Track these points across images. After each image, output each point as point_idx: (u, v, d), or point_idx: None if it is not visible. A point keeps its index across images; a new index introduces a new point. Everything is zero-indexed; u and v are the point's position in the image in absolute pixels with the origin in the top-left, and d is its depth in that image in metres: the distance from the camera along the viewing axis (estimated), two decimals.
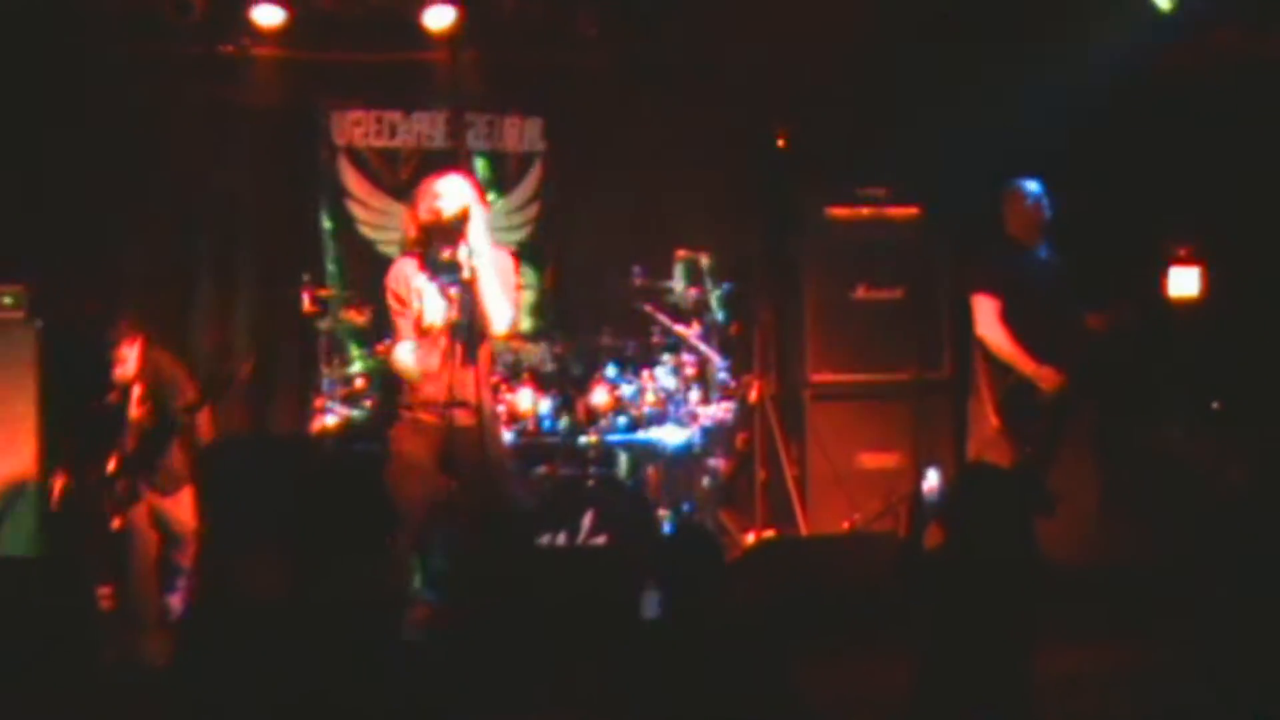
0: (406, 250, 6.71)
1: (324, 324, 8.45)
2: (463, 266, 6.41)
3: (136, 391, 7.59)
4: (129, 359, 7.57)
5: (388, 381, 7.47)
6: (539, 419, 8.24)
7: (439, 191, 6.62)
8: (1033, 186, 7.85)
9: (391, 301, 6.65)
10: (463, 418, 6.47)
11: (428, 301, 6.53)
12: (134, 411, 7.58)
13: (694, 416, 8.47)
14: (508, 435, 8.03)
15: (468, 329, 6.48)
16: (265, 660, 3.40)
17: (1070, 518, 7.42)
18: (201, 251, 9.21)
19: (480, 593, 6.75)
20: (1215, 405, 8.72)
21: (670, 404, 8.42)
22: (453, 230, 6.48)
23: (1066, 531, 7.18)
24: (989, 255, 7.88)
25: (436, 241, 6.58)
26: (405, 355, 6.60)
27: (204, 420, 7.67)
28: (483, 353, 6.64)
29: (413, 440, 6.60)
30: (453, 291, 6.49)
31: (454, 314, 6.46)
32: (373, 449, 7.82)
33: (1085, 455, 7.94)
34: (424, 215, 6.59)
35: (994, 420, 7.67)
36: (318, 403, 8.28)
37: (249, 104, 9.24)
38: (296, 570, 3.16)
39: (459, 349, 6.45)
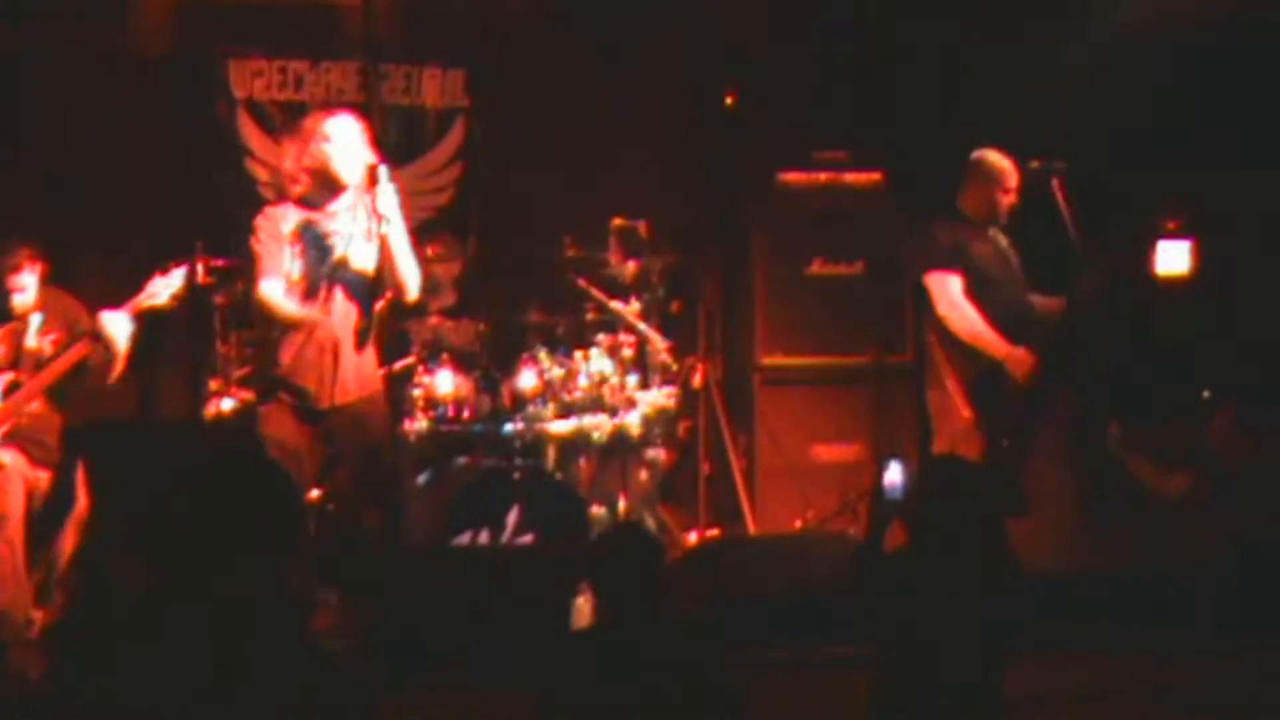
0: (284, 197, 6.70)
1: (220, 297, 8.35)
2: (370, 224, 6.42)
3: (37, 322, 7.34)
4: (28, 287, 7.33)
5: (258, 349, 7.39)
6: (459, 404, 8.18)
7: (328, 133, 6.59)
8: (995, 159, 7.82)
9: (265, 243, 6.60)
10: (342, 394, 6.46)
11: (310, 253, 6.54)
12: (33, 342, 7.33)
13: (631, 403, 8.43)
14: (423, 422, 7.98)
15: (361, 289, 6.47)
16: (147, 673, 3.32)
17: (1046, 519, 7.42)
18: (80, 216, 9.08)
19: (387, 597, 6.71)
20: (1205, 394, 8.75)
21: (605, 389, 8.38)
22: (340, 181, 6.48)
23: (1041, 534, 7.18)
24: (944, 230, 7.86)
25: (322, 190, 6.58)
26: (276, 292, 6.57)
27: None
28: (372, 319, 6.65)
29: (283, 421, 6.59)
30: (340, 246, 6.49)
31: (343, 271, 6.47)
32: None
33: (1061, 450, 7.95)
34: (309, 160, 6.57)
35: (965, 411, 7.64)
36: (212, 384, 8.20)
37: (133, 52, 9.11)
38: (181, 572, 3.08)
39: (345, 314, 6.44)
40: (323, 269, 6.61)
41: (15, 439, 7.20)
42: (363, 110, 7.88)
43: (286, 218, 6.67)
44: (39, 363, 7.24)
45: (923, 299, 7.86)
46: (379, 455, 6.89)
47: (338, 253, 6.61)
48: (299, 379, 6.67)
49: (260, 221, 6.71)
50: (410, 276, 6.62)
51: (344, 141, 6.62)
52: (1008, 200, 7.79)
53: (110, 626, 4.60)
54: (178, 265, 7.18)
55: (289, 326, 6.67)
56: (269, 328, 6.84)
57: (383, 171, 6.52)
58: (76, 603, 7.08)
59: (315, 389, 6.64)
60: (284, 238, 6.61)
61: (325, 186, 6.63)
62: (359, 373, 6.75)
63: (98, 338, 7.05)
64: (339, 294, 6.61)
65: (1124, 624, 7.00)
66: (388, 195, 6.49)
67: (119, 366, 7.12)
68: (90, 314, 7.19)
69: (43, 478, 7.27)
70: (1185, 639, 6.75)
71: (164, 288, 7.11)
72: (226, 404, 8.15)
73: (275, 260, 6.62)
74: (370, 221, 6.55)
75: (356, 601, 6.59)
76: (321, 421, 6.69)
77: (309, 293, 6.63)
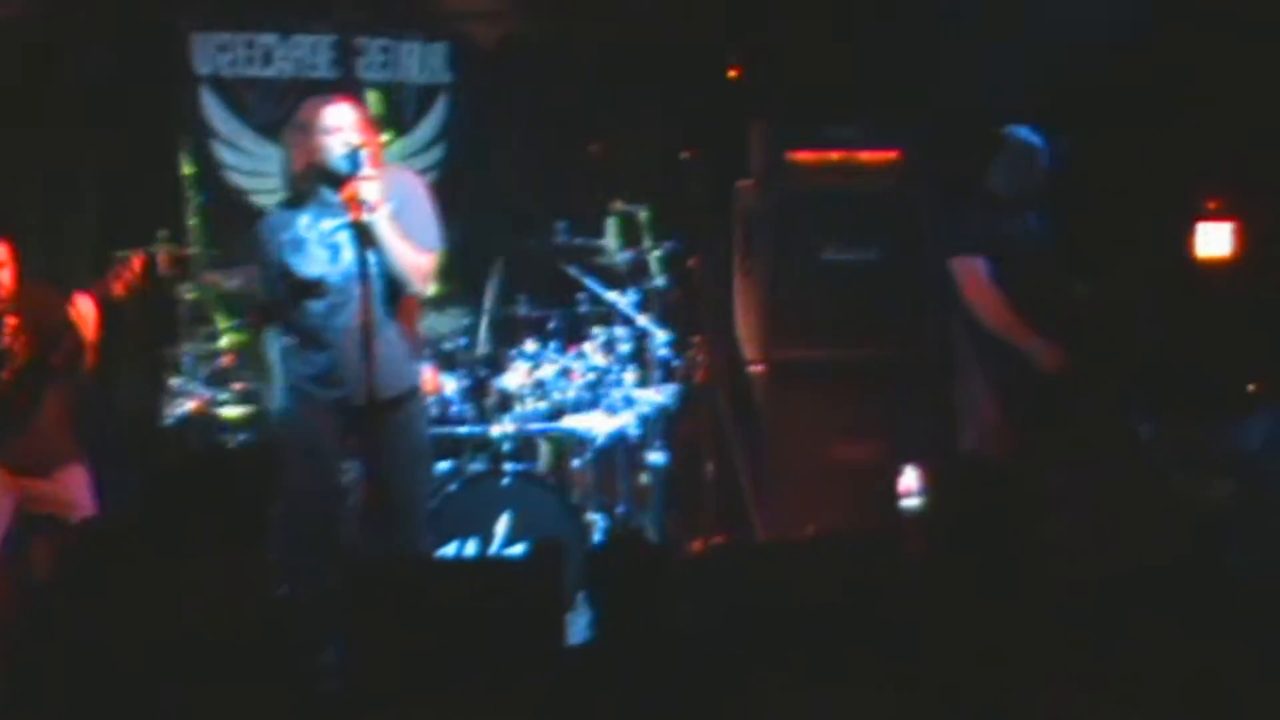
0: (289, 196, 6.77)
1: (184, 290, 8.38)
2: (361, 212, 6.47)
3: (9, 323, 7.32)
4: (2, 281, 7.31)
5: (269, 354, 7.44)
6: (445, 404, 8.21)
7: (328, 124, 6.66)
8: (1031, 138, 7.86)
9: (264, 258, 6.72)
10: (374, 392, 6.52)
11: (309, 253, 6.61)
12: (7, 340, 7.32)
13: (629, 401, 8.46)
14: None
15: (379, 285, 6.57)
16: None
17: (1079, 525, 7.45)
18: (32, 201, 9.11)
19: (376, 611, 6.74)
20: (1251, 387, 8.75)
21: (601, 386, 8.41)
22: (344, 173, 6.55)
23: (1074, 541, 7.21)
24: (972, 211, 7.90)
25: (324, 185, 6.65)
26: (272, 349, 6.70)
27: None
28: (402, 314, 6.70)
29: (306, 423, 6.68)
30: (347, 243, 6.56)
31: (351, 269, 6.53)
32: (240, 440, 7.81)
33: (1094, 450, 7.96)
34: (313, 155, 6.65)
35: (992, 408, 7.68)
36: (175, 384, 8.23)
37: (89, 25, 9.13)
38: (141, 574, 3.14)
39: (363, 310, 6.49)
40: (338, 267, 6.68)
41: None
42: (338, 88, 7.93)
43: (285, 222, 6.77)
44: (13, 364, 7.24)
45: (947, 286, 7.89)
46: (410, 462, 6.96)
47: (350, 248, 6.65)
48: (321, 379, 6.77)
49: (264, 230, 6.83)
50: (406, 268, 6.68)
51: (347, 131, 6.67)
52: (1038, 180, 7.82)
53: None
54: (138, 253, 7.19)
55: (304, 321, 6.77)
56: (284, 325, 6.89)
57: (363, 155, 6.56)
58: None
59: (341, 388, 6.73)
60: (285, 245, 6.71)
61: (331, 179, 6.68)
62: (391, 369, 6.79)
63: (70, 329, 7.06)
64: (358, 290, 6.62)
65: (1156, 634, 7.02)
66: (371, 183, 6.53)
67: (90, 357, 7.14)
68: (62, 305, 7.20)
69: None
70: (1222, 650, 6.77)
71: (117, 283, 7.11)
72: (190, 404, 8.18)
73: (271, 282, 6.77)
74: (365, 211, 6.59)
75: (331, 613, 6.63)
76: (353, 421, 6.76)
77: (331, 295, 6.70)
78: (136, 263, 7.14)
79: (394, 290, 6.74)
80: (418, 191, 6.92)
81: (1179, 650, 6.48)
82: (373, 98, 9.43)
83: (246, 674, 3.37)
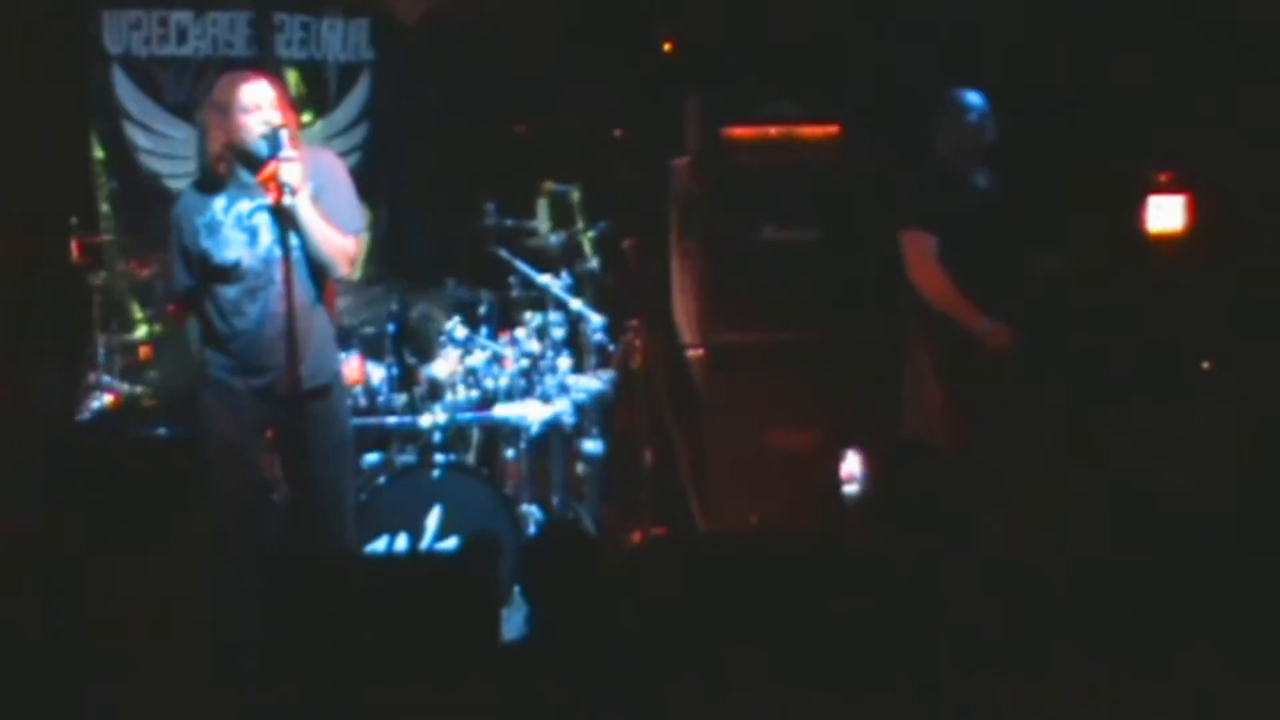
0: (204, 178, 6.75)
1: (98, 279, 8.35)
2: (281, 195, 6.46)
3: None
4: None
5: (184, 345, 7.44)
6: (369, 393, 8.21)
7: (245, 102, 6.64)
8: (973, 98, 7.89)
9: (179, 243, 6.70)
10: (297, 381, 6.52)
11: (225, 236, 6.60)
12: None
13: (564, 388, 8.47)
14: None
15: (301, 269, 6.60)
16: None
17: (1028, 515, 7.49)
18: None
19: (301, 610, 6.74)
20: (1205, 365, 8.80)
21: (535, 373, 8.42)
22: (263, 155, 6.55)
23: (1019, 531, 7.25)
24: (918, 181, 7.91)
25: (241, 166, 6.65)
26: (193, 339, 6.68)
27: None
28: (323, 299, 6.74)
29: (226, 415, 6.67)
30: (266, 226, 6.56)
31: (271, 252, 6.53)
32: (158, 434, 7.79)
33: (1047, 437, 7.98)
34: (230, 134, 6.63)
35: (939, 391, 7.71)
36: (91, 377, 8.20)
37: None
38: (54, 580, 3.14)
39: (285, 296, 6.48)
40: (256, 251, 6.68)
41: None
42: (255, 66, 7.90)
43: (200, 205, 6.75)
44: None
45: (892, 264, 7.91)
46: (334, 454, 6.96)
47: (269, 231, 6.66)
48: (240, 369, 6.76)
49: (178, 214, 6.80)
50: (328, 252, 6.69)
51: (266, 110, 6.67)
52: (986, 139, 7.83)
53: None
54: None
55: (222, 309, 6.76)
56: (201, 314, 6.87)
57: (284, 135, 6.56)
58: None
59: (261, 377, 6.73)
60: (200, 229, 6.70)
61: (248, 160, 6.68)
62: (314, 358, 6.80)
63: None
64: (279, 275, 6.61)
65: (1115, 629, 7.07)
66: (291, 164, 6.53)
67: None
68: None
69: None
70: (1183, 642, 6.82)
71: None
72: (106, 398, 8.16)
73: (184, 266, 6.75)
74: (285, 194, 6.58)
75: (254, 613, 6.63)
76: (274, 412, 6.76)
77: (248, 280, 6.70)
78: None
79: (317, 275, 6.75)
80: (338, 173, 6.91)
81: (1126, 644, 6.55)
82: (292, 77, 9.42)
83: (164, 677, 3.38)
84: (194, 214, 6.72)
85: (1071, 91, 8.84)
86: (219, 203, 6.70)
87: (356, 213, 6.92)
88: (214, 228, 6.68)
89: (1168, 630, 6.78)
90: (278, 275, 6.53)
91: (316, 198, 6.64)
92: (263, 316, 6.66)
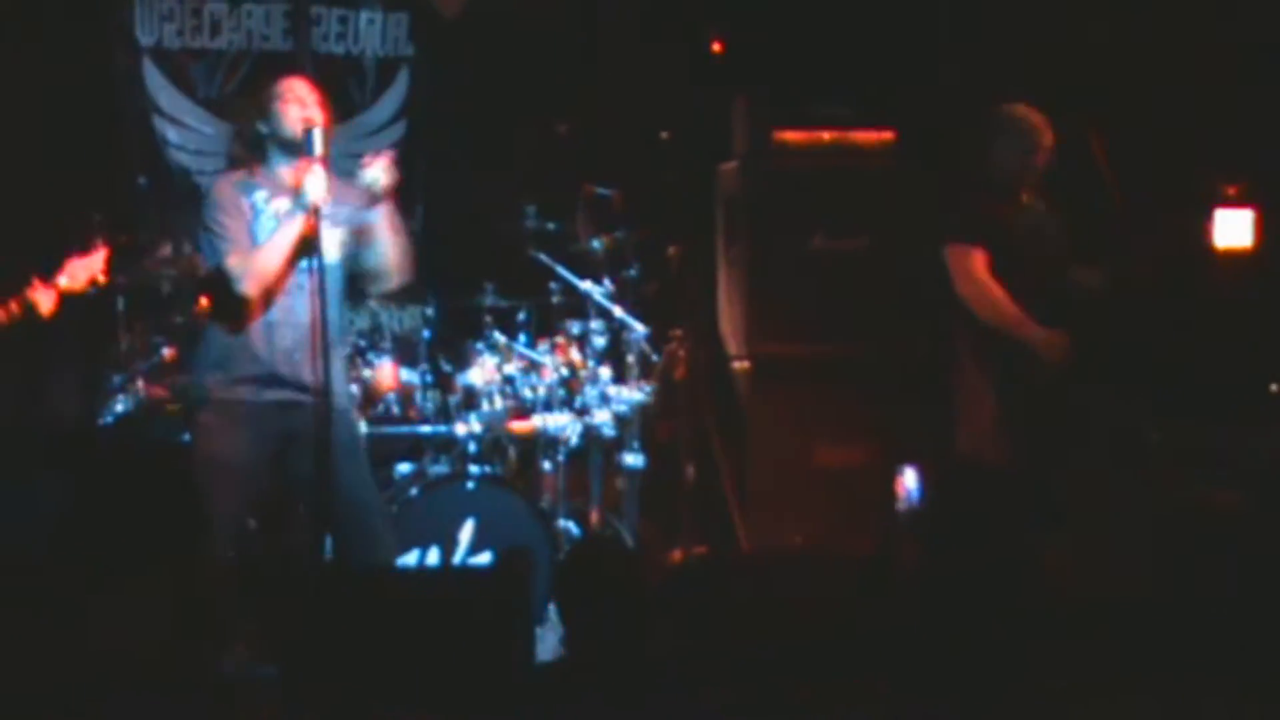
0: (235, 166, 6.72)
1: (122, 278, 8.31)
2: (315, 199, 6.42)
3: None
4: None
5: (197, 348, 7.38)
6: (403, 402, 8.16)
7: (280, 92, 6.63)
8: (1030, 113, 7.83)
9: (229, 213, 6.61)
10: (326, 393, 6.48)
11: (265, 228, 6.56)
12: None
13: (604, 399, 8.42)
14: (361, 423, 7.96)
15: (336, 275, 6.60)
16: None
17: (1083, 535, 7.43)
18: None
19: (329, 625, 6.69)
20: (1275, 387, 8.72)
21: (574, 383, 8.38)
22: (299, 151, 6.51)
23: (1077, 552, 7.19)
24: (968, 196, 7.86)
25: (279, 159, 6.61)
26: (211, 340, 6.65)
27: None
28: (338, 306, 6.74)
29: (229, 431, 6.59)
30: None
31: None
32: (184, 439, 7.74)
33: (1103, 454, 7.93)
34: (272, 121, 6.61)
35: (991, 406, 7.65)
36: (113, 379, 8.17)
37: None
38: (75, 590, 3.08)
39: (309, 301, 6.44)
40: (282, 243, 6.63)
41: None
42: (291, 61, 7.88)
43: (246, 188, 6.69)
44: None
45: (943, 276, 7.85)
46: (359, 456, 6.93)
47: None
48: (254, 380, 6.69)
49: (219, 190, 6.71)
50: (396, 262, 6.71)
51: (308, 105, 6.64)
52: (1041, 161, 7.79)
53: None
54: (101, 243, 7.09)
55: (250, 310, 6.68)
56: (228, 312, 6.80)
57: (317, 137, 6.51)
58: None
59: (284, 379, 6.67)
60: (246, 210, 6.63)
61: (286, 153, 6.65)
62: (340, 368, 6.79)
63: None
64: (307, 277, 6.57)
65: (1158, 654, 7.01)
66: (316, 177, 6.48)
67: None
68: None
69: None
70: (1226, 670, 6.75)
71: (83, 270, 7.02)
72: (128, 401, 8.12)
73: (241, 233, 6.63)
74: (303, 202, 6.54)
75: (282, 628, 6.58)
76: (286, 422, 6.70)
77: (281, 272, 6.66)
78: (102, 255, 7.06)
79: (352, 282, 6.72)
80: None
81: (1179, 664, 6.48)
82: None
83: (180, 691, 3.32)
84: (246, 193, 6.65)
85: (1136, 102, 8.77)
86: (260, 194, 6.64)
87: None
88: (256, 216, 6.62)
89: (1219, 652, 6.73)
90: (307, 282, 6.47)
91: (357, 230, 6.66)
92: (292, 325, 6.59)
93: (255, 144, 6.68)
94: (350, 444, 6.81)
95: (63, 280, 6.99)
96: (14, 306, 6.85)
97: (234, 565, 6.69)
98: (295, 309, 6.57)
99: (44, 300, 6.88)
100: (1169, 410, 8.45)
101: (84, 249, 7.10)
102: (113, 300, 8.27)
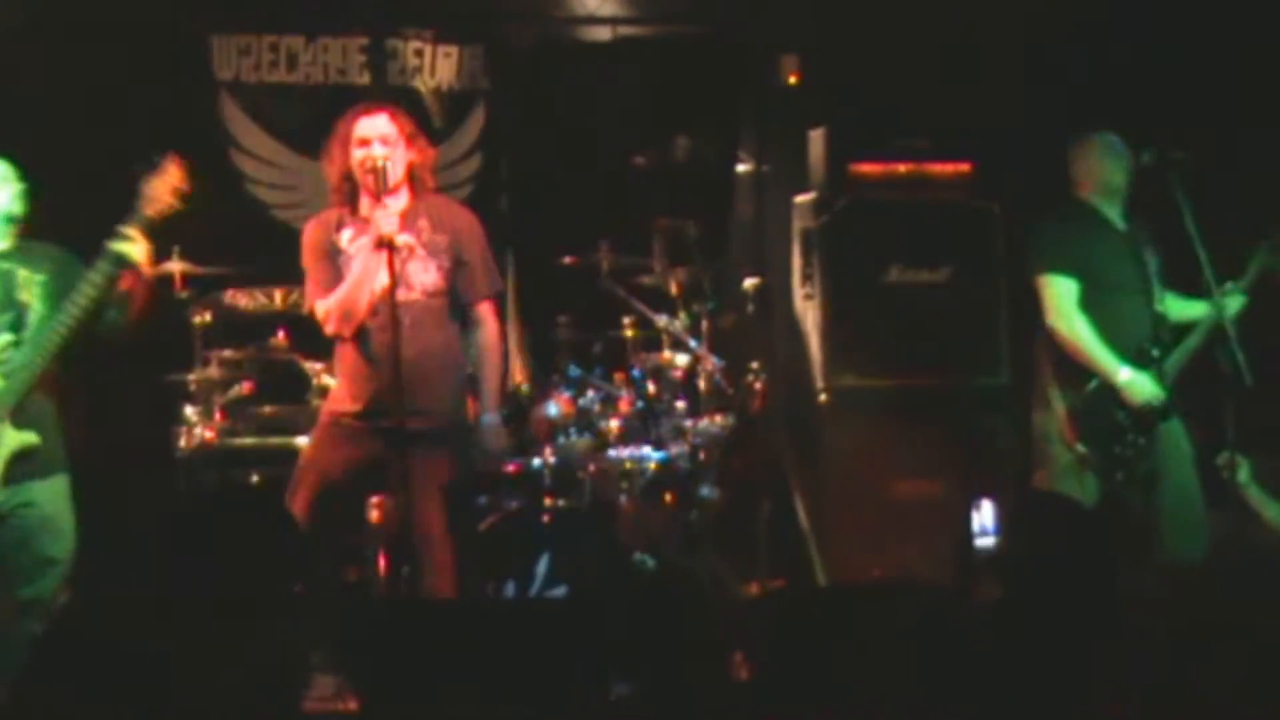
0: (331, 205, 6.89)
1: (199, 311, 8.36)
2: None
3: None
4: None
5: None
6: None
7: (361, 135, 6.74)
8: (1112, 139, 7.82)
9: (306, 262, 6.77)
10: (415, 422, 6.57)
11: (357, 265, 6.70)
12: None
13: (679, 432, 8.42)
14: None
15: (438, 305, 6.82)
16: None
17: (1167, 570, 7.37)
18: (36, 211, 9.07)
19: (403, 658, 6.71)
20: None
21: (650, 416, 8.38)
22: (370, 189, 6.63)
23: (1161, 587, 7.14)
24: (1057, 225, 7.85)
25: (359, 200, 6.74)
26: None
27: None
28: (443, 338, 6.88)
29: (330, 450, 6.72)
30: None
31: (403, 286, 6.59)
32: (259, 476, 7.81)
33: (1192, 488, 7.85)
34: (346, 166, 6.73)
35: (1069, 440, 7.63)
36: (188, 412, 8.19)
37: (101, 25, 9.12)
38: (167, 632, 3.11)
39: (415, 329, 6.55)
40: (379, 279, 6.72)
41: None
42: (376, 98, 7.92)
43: (336, 228, 6.84)
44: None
45: (1025, 309, 7.84)
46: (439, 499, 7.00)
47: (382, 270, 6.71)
48: (355, 394, 6.81)
49: (306, 232, 6.92)
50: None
51: (373, 144, 6.76)
52: (1127, 186, 7.77)
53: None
54: (164, 155, 7.10)
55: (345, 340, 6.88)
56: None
57: (388, 175, 6.64)
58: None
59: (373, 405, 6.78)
60: (333, 251, 6.78)
61: (371, 192, 6.77)
62: (431, 395, 6.86)
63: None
64: (404, 310, 6.69)
65: (1248, 691, 6.95)
66: (389, 215, 6.60)
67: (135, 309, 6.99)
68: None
69: None
70: None
71: (164, 189, 7.00)
72: (204, 435, 8.14)
73: (325, 273, 6.84)
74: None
75: (358, 667, 6.60)
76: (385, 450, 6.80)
77: (367, 308, 6.76)
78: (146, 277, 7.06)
79: (460, 314, 6.94)
80: (476, 234, 7.06)
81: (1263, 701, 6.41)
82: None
83: None
84: (327, 235, 6.80)
85: (1219, 123, 8.73)
86: (347, 233, 6.78)
87: (494, 275, 7.17)
88: (337, 255, 6.77)
89: None
90: (403, 316, 6.58)
91: (455, 264, 6.85)
92: (379, 350, 6.69)
93: (337, 184, 6.81)
94: (434, 482, 6.87)
95: (144, 205, 6.92)
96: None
97: (316, 600, 6.73)
98: (399, 341, 6.65)
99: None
100: (1255, 444, 8.38)
101: (152, 167, 7.06)
102: (189, 331, 8.31)
